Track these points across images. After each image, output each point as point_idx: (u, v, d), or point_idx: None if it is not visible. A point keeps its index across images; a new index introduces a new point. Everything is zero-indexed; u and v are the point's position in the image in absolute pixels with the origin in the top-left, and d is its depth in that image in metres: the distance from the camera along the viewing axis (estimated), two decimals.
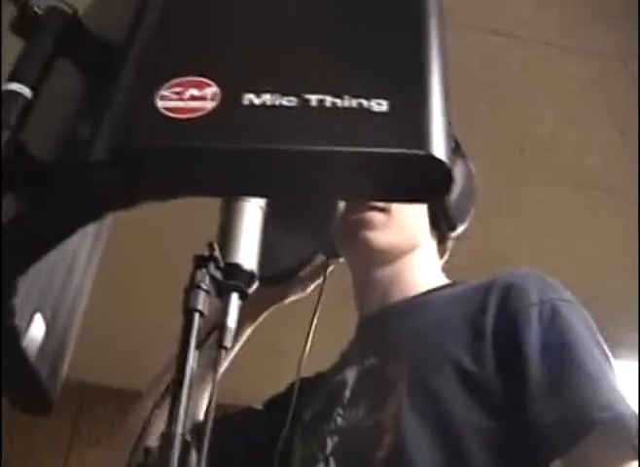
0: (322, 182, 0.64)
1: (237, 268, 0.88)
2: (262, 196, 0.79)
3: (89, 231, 0.90)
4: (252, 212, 0.93)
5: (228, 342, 0.83)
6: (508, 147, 2.44)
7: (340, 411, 1.03)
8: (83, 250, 0.89)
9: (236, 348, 1.18)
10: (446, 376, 0.97)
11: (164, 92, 0.66)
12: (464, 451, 0.93)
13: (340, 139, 0.62)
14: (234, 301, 0.86)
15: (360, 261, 1.17)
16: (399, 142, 0.61)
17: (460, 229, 1.23)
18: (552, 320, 0.98)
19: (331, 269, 1.22)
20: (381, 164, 0.61)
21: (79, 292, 0.89)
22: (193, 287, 0.84)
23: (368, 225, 1.14)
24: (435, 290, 1.15)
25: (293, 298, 1.21)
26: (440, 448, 0.93)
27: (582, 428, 0.90)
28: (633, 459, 0.92)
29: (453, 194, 1.17)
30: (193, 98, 0.66)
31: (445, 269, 1.26)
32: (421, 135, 0.61)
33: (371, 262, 1.17)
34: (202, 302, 0.83)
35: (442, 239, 1.25)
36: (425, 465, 0.93)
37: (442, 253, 1.26)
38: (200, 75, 0.68)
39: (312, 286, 1.20)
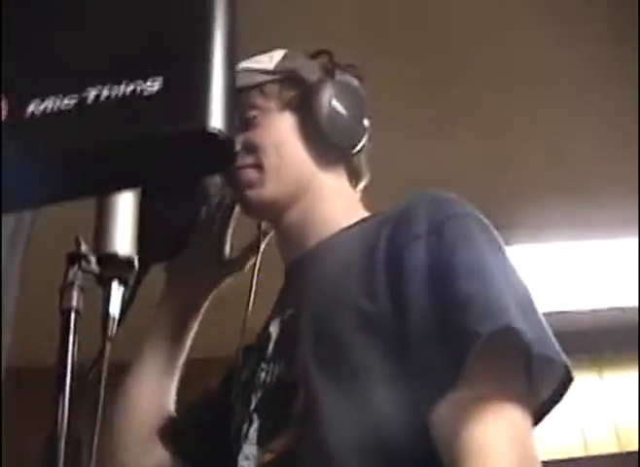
0: (120, 174, 0.64)
1: (112, 257, 0.88)
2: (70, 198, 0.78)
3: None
4: (121, 199, 0.94)
5: (112, 332, 0.85)
6: None
7: (264, 366, 1.02)
8: None
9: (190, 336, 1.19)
10: (346, 320, 0.95)
11: None
12: (370, 399, 0.91)
13: (115, 132, 0.62)
14: (115, 290, 0.87)
15: (258, 217, 1.17)
16: (170, 121, 0.61)
17: (355, 144, 1.15)
18: (437, 247, 0.94)
19: (268, 238, 1.21)
20: (159, 147, 0.61)
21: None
22: (66, 286, 0.85)
23: (244, 184, 1.13)
24: (347, 228, 1.11)
25: (230, 279, 1.21)
26: (345, 397, 0.91)
27: (464, 343, 0.86)
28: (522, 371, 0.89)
29: (320, 114, 1.12)
30: None
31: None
32: (192, 109, 0.61)
33: (267, 216, 1.17)
34: (77, 299, 0.85)
35: (347, 164, 1.18)
36: (335, 418, 0.91)
37: (356, 178, 1.20)
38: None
39: (248, 264, 1.20)
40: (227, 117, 0.62)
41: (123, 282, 0.89)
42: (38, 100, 0.66)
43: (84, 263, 0.87)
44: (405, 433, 0.86)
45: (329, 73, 1.16)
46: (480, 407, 0.84)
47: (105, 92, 0.64)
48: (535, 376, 0.90)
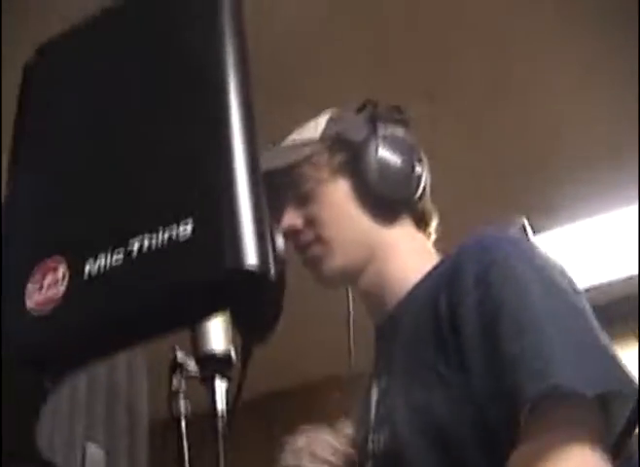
0: (172, 317, 0.68)
1: (210, 356, 0.93)
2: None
3: None
4: None
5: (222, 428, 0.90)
6: None
7: (371, 435, 1.04)
8: None
9: None
10: (429, 385, 0.95)
11: (30, 289, 0.72)
12: (462, 458, 0.91)
13: (159, 282, 0.66)
14: (218, 386, 0.91)
15: (333, 287, 1.18)
16: (205, 265, 0.64)
17: (412, 193, 1.15)
18: (485, 300, 0.92)
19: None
20: (201, 291, 0.64)
21: None
22: (172, 395, 0.91)
23: (312, 262, 1.14)
24: (417, 285, 1.09)
25: None
26: (439, 460, 0.92)
27: (515, 406, 0.84)
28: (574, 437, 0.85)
29: (370, 174, 1.12)
30: (50, 286, 0.71)
31: None
32: (223, 252, 0.64)
33: (342, 285, 1.18)
34: (185, 407, 0.91)
35: (410, 213, 1.18)
36: None
37: (424, 223, 1.20)
38: (53, 254, 0.73)
39: None
40: (258, 250, 0.65)
41: (224, 377, 0.93)
42: (92, 260, 0.70)
43: (184, 369, 0.93)
44: None
45: (373, 128, 1.15)
46: (544, 456, 0.83)
47: (146, 243, 0.68)
48: (607, 411, 0.87)
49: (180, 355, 0.94)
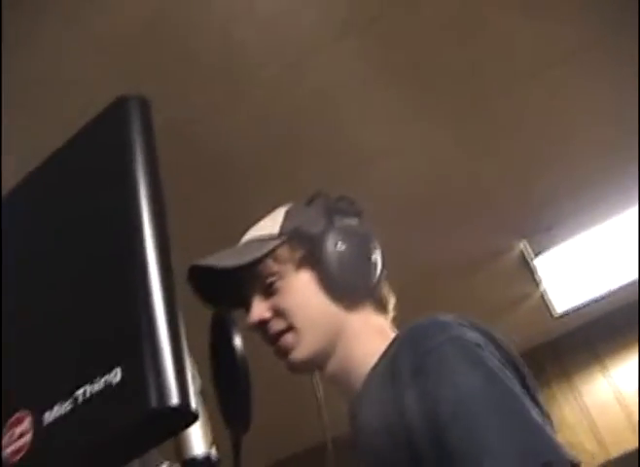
0: (117, 453, 0.78)
1: (192, 461, 1.01)
2: None
3: None
4: None
5: None
6: None
7: None
8: None
9: None
10: None
11: (5, 441, 0.82)
12: None
13: (100, 425, 0.75)
14: None
15: (303, 373, 1.24)
16: (133, 409, 0.73)
17: (371, 281, 1.21)
18: (423, 391, 0.96)
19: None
20: (133, 430, 0.73)
21: None
22: None
23: (284, 351, 1.21)
24: (373, 368, 1.14)
25: None
26: None
27: None
28: None
29: (330, 266, 1.18)
30: (20, 436, 0.81)
31: None
32: (148, 394, 0.73)
33: (310, 371, 1.24)
34: None
35: (371, 297, 1.24)
36: None
37: (382, 306, 1.26)
38: (20, 407, 0.83)
39: None
40: (178, 387, 0.73)
41: None
42: (49, 410, 0.80)
43: None
44: None
45: (330, 220, 1.23)
46: None
47: (88, 391, 0.77)
48: None
49: (165, 465, 1.02)
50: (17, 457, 0.81)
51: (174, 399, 0.73)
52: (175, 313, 0.79)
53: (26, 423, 0.82)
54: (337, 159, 2.38)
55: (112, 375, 0.76)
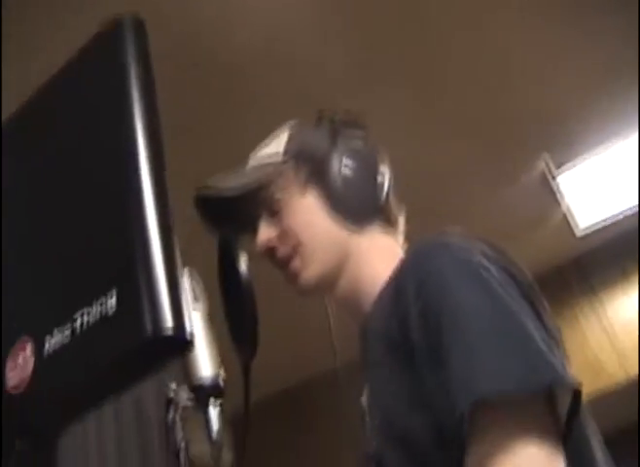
0: (117, 381, 0.78)
1: (200, 388, 1.02)
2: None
3: None
4: (193, 326, 1.07)
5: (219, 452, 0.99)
6: None
7: (370, 438, 1.08)
8: None
9: None
10: (394, 402, 0.99)
11: (9, 368, 0.83)
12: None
13: (99, 354, 0.75)
14: (212, 411, 1.01)
15: (312, 296, 1.22)
16: (128, 337, 0.73)
17: (377, 199, 1.19)
18: (423, 313, 0.95)
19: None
20: (130, 358, 0.73)
21: None
22: (169, 428, 1.01)
23: (293, 275, 1.18)
24: (382, 290, 1.11)
25: None
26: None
27: (456, 420, 0.86)
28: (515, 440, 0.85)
29: (335, 185, 1.17)
30: (22, 364, 0.82)
31: None
32: (143, 322, 0.72)
33: (320, 294, 1.22)
34: (185, 437, 1.00)
35: (378, 215, 1.21)
36: None
37: (391, 223, 1.23)
38: (22, 334, 0.84)
39: None
40: (174, 316, 0.73)
41: (216, 397, 1.02)
42: (49, 337, 0.80)
43: (176, 403, 1.02)
44: None
45: (334, 141, 1.20)
46: (488, 460, 0.86)
47: (85, 318, 0.77)
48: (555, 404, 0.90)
49: (173, 388, 1.03)
50: (22, 386, 0.81)
51: (169, 327, 0.72)
52: (171, 240, 0.78)
53: (28, 351, 0.82)
54: (349, 75, 2.33)
55: (108, 301, 0.76)
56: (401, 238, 1.24)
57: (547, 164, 2.72)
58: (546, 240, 3.14)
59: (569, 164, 2.74)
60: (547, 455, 0.86)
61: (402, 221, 1.24)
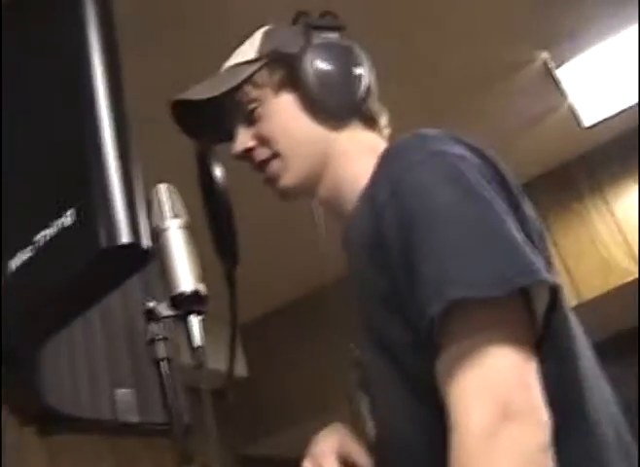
0: (83, 294, 0.78)
1: (180, 296, 1.02)
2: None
3: None
4: (172, 239, 1.06)
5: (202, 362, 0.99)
6: None
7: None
8: None
9: None
10: (375, 308, 0.98)
11: None
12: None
13: (62, 266, 0.75)
14: (193, 322, 1.00)
15: (295, 199, 1.20)
16: (86, 250, 0.72)
17: (354, 97, 1.15)
18: (398, 212, 0.93)
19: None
20: (92, 270, 0.73)
21: None
22: (150, 342, 1.01)
23: (272, 179, 1.17)
24: (363, 191, 1.07)
25: None
26: (387, 385, 0.98)
27: (426, 324, 0.86)
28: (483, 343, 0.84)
29: (309, 85, 1.13)
30: None
31: None
32: (97, 234, 0.71)
33: (303, 196, 1.20)
34: (164, 349, 1.00)
35: (358, 114, 1.17)
36: (383, 408, 1.00)
37: (372, 121, 1.19)
38: None
39: None
40: (129, 226, 0.72)
41: (198, 313, 1.02)
42: (13, 261, 0.80)
43: (156, 315, 1.02)
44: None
45: (307, 38, 1.16)
46: (461, 362, 0.84)
47: (46, 235, 0.76)
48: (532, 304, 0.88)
49: (152, 304, 1.03)
50: None
51: (124, 237, 0.72)
52: (127, 153, 0.77)
53: None
54: None
55: (66, 217, 0.75)
56: (385, 136, 1.20)
57: (547, 61, 2.65)
58: (551, 136, 3.09)
59: (570, 60, 2.67)
60: (515, 363, 0.84)
61: (384, 118, 1.20)
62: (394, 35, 2.42)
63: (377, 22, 2.33)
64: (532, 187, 3.39)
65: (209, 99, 1.15)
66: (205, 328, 1.03)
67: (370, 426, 1.06)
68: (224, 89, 1.15)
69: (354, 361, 1.08)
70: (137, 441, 3.19)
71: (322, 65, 1.14)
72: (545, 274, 0.85)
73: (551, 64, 2.66)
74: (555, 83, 2.73)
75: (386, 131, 1.21)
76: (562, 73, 2.70)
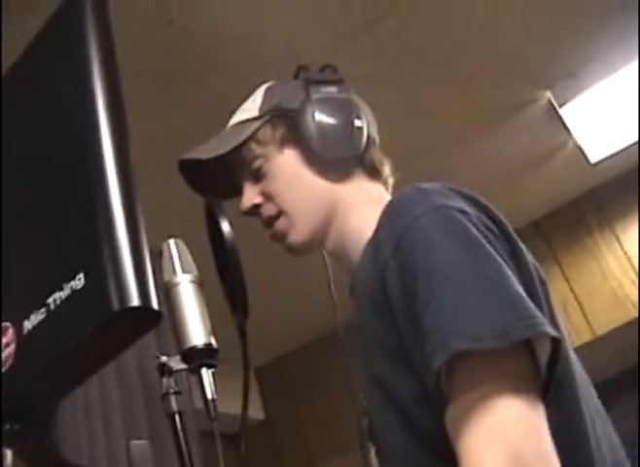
0: (96, 355, 0.80)
1: (191, 350, 1.04)
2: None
3: None
4: (183, 294, 1.08)
5: (215, 414, 1.01)
6: None
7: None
8: None
9: None
10: (378, 357, 0.99)
11: None
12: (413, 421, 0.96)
13: (73, 330, 0.77)
14: (205, 375, 1.02)
15: (305, 254, 1.21)
16: (97, 313, 0.74)
17: (356, 148, 1.17)
18: (402, 267, 0.94)
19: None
20: (103, 332, 0.75)
21: None
22: (163, 396, 1.03)
23: (280, 236, 1.18)
24: (367, 243, 1.08)
25: None
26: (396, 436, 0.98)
27: (432, 376, 0.87)
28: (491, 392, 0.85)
29: (310, 139, 1.15)
30: (6, 346, 0.84)
31: None
32: (109, 298, 0.74)
33: (313, 250, 1.21)
34: (177, 403, 1.02)
35: (361, 165, 1.19)
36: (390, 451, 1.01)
37: (375, 172, 1.20)
38: (3, 321, 0.86)
39: None
40: (139, 289, 0.74)
41: (209, 366, 1.04)
42: (27, 320, 0.82)
43: (169, 369, 1.04)
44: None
45: (307, 92, 1.18)
46: (466, 415, 0.85)
47: (57, 299, 0.79)
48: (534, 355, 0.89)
49: (164, 358, 1.05)
50: (6, 366, 0.83)
51: (134, 300, 0.74)
52: (135, 216, 0.79)
53: (10, 334, 0.84)
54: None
55: (77, 281, 0.77)
56: (388, 187, 1.23)
57: (550, 100, 2.68)
58: (558, 174, 3.11)
59: (573, 99, 2.70)
60: (523, 412, 0.85)
61: (387, 168, 1.22)
62: (398, 79, 2.46)
63: (381, 68, 2.37)
64: (542, 223, 3.46)
65: (215, 158, 1.18)
66: (221, 372, 1.05)
67: None
68: (229, 147, 1.18)
69: (363, 410, 1.09)
70: None
71: (322, 119, 1.16)
72: (546, 328, 0.86)
73: (555, 103, 2.69)
74: (561, 121, 2.76)
75: (390, 180, 1.23)
76: (566, 112, 2.73)
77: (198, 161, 1.19)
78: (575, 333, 3.08)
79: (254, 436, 3.56)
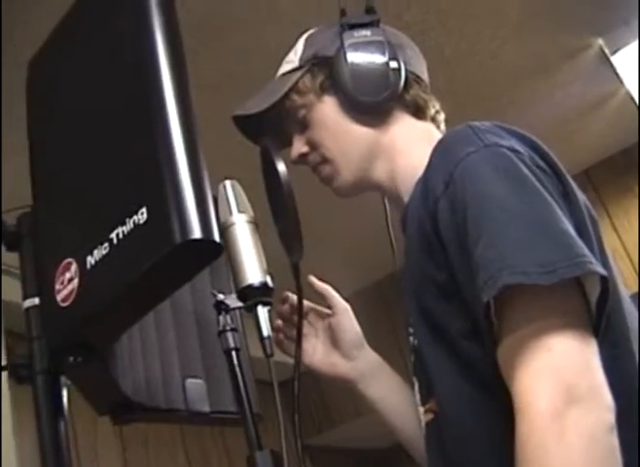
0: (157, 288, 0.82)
1: (247, 289, 1.05)
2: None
3: None
4: (239, 233, 1.09)
5: (271, 351, 1.02)
6: None
7: (410, 329, 1.09)
8: None
9: None
10: (428, 293, 1.00)
11: (57, 286, 0.88)
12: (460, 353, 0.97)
13: (135, 262, 0.79)
14: (260, 313, 1.04)
15: (354, 196, 1.22)
16: (160, 245, 0.76)
17: (394, 87, 1.15)
18: (453, 204, 0.94)
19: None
20: (165, 265, 0.77)
21: None
22: (220, 333, 1.05)
23: (325, 181, 1.21)
24: (419, 179, 1.08)
25: None
26: (444, 360, 0.99)
27: (482, 309, 0.87)
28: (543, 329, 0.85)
29: (346, 84, 1.15)
30: (69, 281, 0.86)
31: None
32: (172, 231, 0.75)
33: (362, 192, 1.22)
34: (234, 340, 1.04)
35: (402, 104, 1.18)
36: (442, 385, 1.00)
37: (420, 109, 1.19)
38: (67, 256, 0.88)
39: None
40: (201, 222, 0.76)
41: (265, 304, 1.05)
42: (90, 255, 0.84)
43: (226, 306, 1.06)
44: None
45: (341, 38, 1.18)
46: (520, 352, 0.85)
47: (120, 233, 0.80)
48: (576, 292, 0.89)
49: (221, 296, 1.06)
50: (70, 297, 0.85)
51: (196, 232, 0.75)
52: (196, 151, 0.80)
53: (73, 270, 0.86)
54: None
55: (139, 215, 0.79)
56: (439, 124, 1.22)
57: (602, 48, 2.63)
58: (610, 122, 3.06)
59: (625, 47, 2.63)
60: (577, 346, 0.85)
61: (433, 106, 1.21)
62: (449, 26, 2.42)
63: (432, 15, 2.34)
64: (592, 173, 3.42)
65: (261, 112, 1.20)
66: (272, 320, 1.07)
67: (420, 412, 1.08)
68: (272, 100, 1.19)
69: (411, 347, 1.10)
70: (208, 429, 3.25)
71: (355, 63, 1.16)
72: (594, 266, 0.86)
73: (607, 50, 2.63)
74: (612, 69, 2.70)
75: (440, 117, 1.22)
76: (617, 59, 2.67)
77: (247, 117, 1.21)
78: (623, 284, 3.04)
79: (303, 384, 3.59)
